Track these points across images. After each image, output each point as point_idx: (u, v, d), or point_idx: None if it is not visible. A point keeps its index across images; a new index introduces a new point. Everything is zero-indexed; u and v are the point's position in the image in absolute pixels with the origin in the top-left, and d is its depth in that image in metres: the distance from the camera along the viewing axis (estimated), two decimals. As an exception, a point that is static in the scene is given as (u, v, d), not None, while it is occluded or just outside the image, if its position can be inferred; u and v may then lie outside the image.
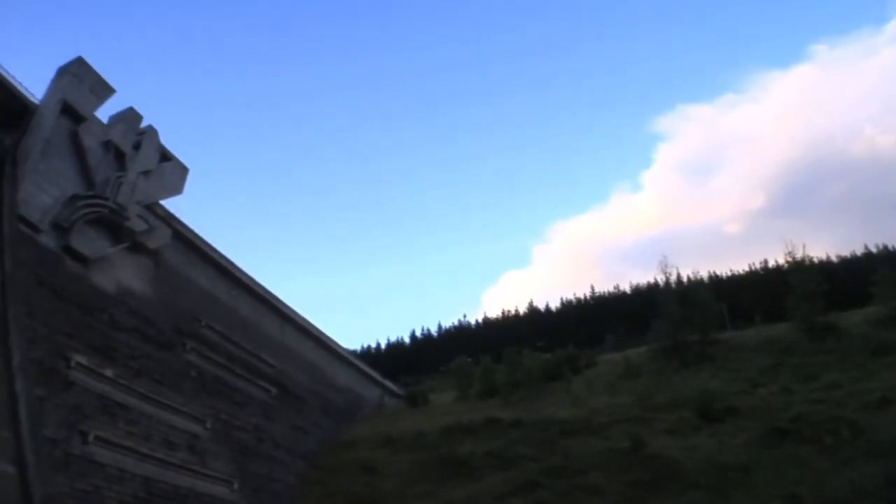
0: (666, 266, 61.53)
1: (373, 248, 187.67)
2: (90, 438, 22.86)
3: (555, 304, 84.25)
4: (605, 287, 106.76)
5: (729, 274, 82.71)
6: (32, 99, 30.41)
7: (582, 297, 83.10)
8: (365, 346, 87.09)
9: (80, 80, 31.06)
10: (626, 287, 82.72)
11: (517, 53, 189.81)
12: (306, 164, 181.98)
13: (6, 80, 29.36)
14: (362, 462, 36.74)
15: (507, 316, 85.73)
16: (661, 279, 66.06)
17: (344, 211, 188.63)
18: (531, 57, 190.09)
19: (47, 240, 27.87)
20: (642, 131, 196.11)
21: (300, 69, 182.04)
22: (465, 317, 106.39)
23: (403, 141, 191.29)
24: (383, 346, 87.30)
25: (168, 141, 35.21)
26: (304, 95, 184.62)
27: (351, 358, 54.49)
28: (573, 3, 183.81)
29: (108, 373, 25.50)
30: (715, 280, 77.46)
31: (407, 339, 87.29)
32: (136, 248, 32.33)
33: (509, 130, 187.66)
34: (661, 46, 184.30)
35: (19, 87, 29.85)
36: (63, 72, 31.29)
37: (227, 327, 36.57)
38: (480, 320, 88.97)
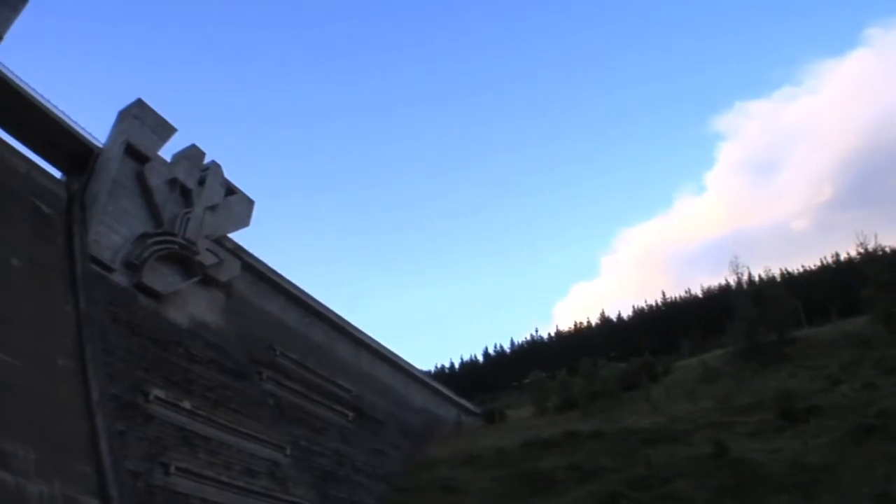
0: (737, 266, 60.13)
1: (443, 268, 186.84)
2: (172, 470, 22.87)
3: (626, 313, 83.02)
4: (675, 292, 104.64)
5: (801, 270, 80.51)
6: (96, 142, 30.85)
7: (653, 303, 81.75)
8: (439, 365, 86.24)
9: (141, 122, 31.48)
10: (697, 291, 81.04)
11: (572, 63, 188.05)
12: (370, 189, 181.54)
13: (70, 126, 29.82)
14: (444, 482, 36.25)
15: (580, 328, 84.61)
16: (732, 280, 64.81)
17: (413, 233, 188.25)
18: (586, 66, 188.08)
19: (120, 278, 28.17)
20: (702, 132, 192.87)
21: (358, 83, 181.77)
22: (536, 331, 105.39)
23: (470, 158, 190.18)
24: (457, 364, 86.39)
25: (232, 173, 35.43)
26: (364, 113, 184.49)
27: (426, 378, 54.09)
28: (617, 10, 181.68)
29: (187, 405, 25.50)
30: (787, 277, 75.14)
31: (480, 357, 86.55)
32: (208, 281, 32.45)
33: (571, 142, 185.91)
34: (716, 46, 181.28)
35: (83, 132, 30.28)
36: (124, 114, 31.80)
37: (301, 354, 36.50)
38: (553, 334, 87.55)
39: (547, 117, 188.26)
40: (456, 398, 57.45)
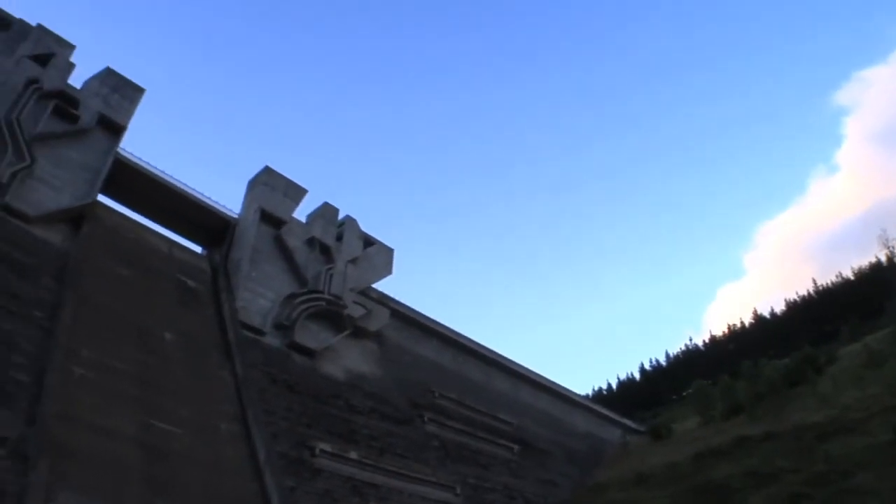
0: (887, 241, 56.96)
1: (588, 290, 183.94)
2: (345, 520, 22.33)
3: (779, 308, 79.50)
4: (826, 279, 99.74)
5: (955, 235, 75.75)
6: (231, 214, 31.17)
7: (805, 293, 78.05)
8: (596, 388, 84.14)
9: (271, 188, 31.70)
10: (848, 273, 77.03)
11: (685, 67, 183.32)
12: (499, 217, 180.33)
13: (204, 202, 30.31)
14: (619, 504, 34.94)
15: (733, 330, 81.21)
16: (883, 256, 61.55)
17: (552, 259, 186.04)
18: (702, 68, 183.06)
19: (272, 340, 28.06)
20: (824, 110, 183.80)
21: (467, 98, 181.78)
22: (690, 340, 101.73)
23: (603, 173, 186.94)
24: (614, 385, 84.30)
25: (367, 225, 35.41)
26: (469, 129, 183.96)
27: (587, 402, 52.65)
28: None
29: (353, 455, 24.92)
30: (940, 244, 71.06)
31: (637, 374, 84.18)
32: (359, 333, 32.12)
33: (695, 145, 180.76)
34: (822, 17, 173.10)
35: (217, 206, 30.70)
36: (254, 183, 32.15)
37: (459, 393, 35.75)
38: (707, 340, 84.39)
39: (670, 123, 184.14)
40: (618, 418, 55.76)
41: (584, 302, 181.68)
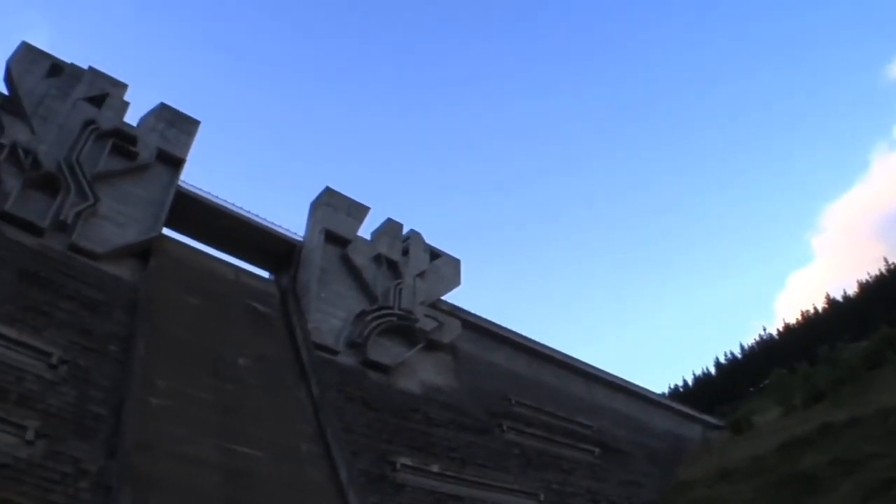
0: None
1: (657, 288, 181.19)
2: (431, 533, 21.82)
3: (851, 290, 77.23)
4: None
5: None
6: (296, 237, 31.15)
7: (878, 272, 75.80)
8: (672, 386, 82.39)
9: (334, 209, 31.61)
10: (920, 247, 74.66)
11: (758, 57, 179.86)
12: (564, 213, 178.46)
13: (268, 227, 30.40)
14: (703, 502, 33.91)
15: (807, 316, 78.81)
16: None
17: (618, 258, 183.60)
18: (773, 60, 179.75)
19: (346, 359, 27.74)
20: (879, 84, 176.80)
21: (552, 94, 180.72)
22: (764, 329, 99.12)
23: (681, 166, 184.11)
24: (690, 381, 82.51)
25: (431, 237, 35.17)
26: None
27: (664, 401, 51.51)
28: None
29: (434, 468, 24.39)
30: None
31: (712, 369, 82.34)
32: (432, 346, 31.59)
33: (755, 132, 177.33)
34: None
35: (281, 230, 30.81)
36: (316, 204, 32.13)
37: (536, 400, 35.05)
38: (780, 328, 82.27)
39: (741, 119, 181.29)
40: (698, 415, 54.52)
41: (653, 301, 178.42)
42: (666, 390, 77.74)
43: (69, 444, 16.20)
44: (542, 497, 27.71)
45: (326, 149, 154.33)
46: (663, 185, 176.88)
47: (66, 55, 28.99)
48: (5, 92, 26.11)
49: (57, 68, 27.17)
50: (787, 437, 37.06)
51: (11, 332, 18.17)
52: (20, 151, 23.80)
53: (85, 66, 28.08)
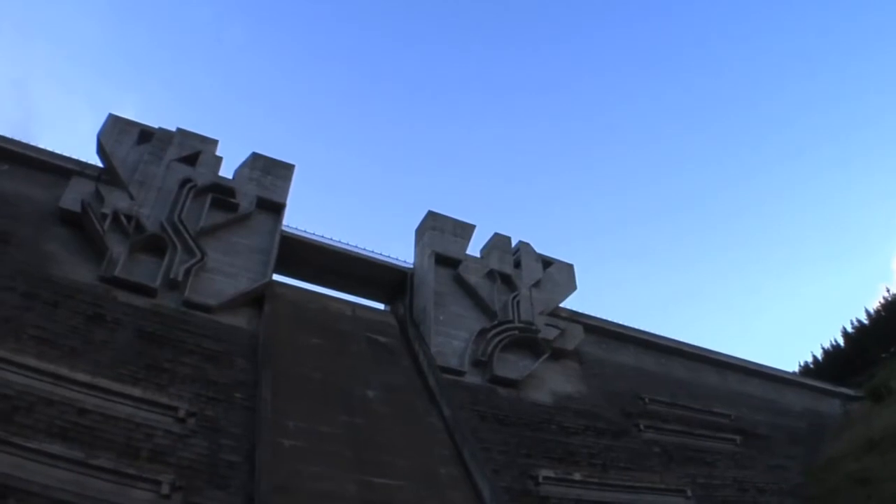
0: None
1: (776, 266, 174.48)
2: (585, 543, 20.87)
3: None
4: None
5: None
6: (405, 265, 30.92)
7: None
8: (802, 363, 78.94)
9: (440, 232, 31.30)
10: None
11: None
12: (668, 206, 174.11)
13: (376, 259, 30.52)
14: (854, 476, 31.75)
15: (931, 271, 75.86)
16: None
17: (738, 240, 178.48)
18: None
19: (473, 378, 27.16)
20: None
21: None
22: (888, 290, 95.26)
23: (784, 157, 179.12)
24: (819, 355, 79.22)
25: (540, 245, 34.56)
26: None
27: (799, 379, 49.35)
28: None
29: (577, 476, 23.45)
30: None
31: (840, 339, 78.96)
32: (557, 354, 30.71)
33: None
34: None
35: (390, 260, 30.63)
36: (422, 230, 31.96)
37: (669, 395, 33.76)
38: (904, 288, 78.63)
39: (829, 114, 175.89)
40: (834, 388, 52.15)
41: (774, 280, 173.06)
42: (796, 368, 74.96)
43: (205, 495, 15.88)
44: (689, 492, 26.54)
45: (422, 173, 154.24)
46: (770, 175, 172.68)
47: (152, 121, 29.37)
48: (101, 165, 26.44)
49: (146, 134, 27.44)
50: (930, 401, 35.27)
51: (136, 391, 18.05)
52: (122, 218, 23.95)
53: (173, 129, 28.36)
